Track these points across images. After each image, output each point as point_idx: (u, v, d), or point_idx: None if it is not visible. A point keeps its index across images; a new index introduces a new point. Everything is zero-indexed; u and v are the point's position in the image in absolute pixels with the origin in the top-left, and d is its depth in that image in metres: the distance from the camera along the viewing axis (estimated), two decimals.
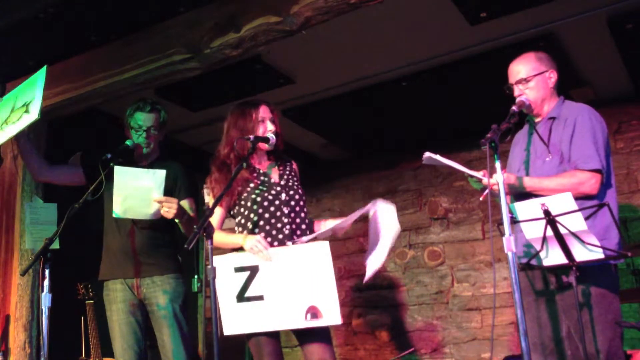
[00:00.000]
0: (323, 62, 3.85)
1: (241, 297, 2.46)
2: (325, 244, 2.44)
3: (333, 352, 2.56)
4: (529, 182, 2.43)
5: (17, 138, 2.82)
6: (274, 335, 2.53)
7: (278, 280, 2.45)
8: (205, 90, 4.12)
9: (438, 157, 2.39)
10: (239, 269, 2.47)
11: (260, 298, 2.45)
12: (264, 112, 2.69)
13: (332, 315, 2.38)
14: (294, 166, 2.84)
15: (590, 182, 2.37)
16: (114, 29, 3.50)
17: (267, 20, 3.06)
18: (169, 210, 2.68)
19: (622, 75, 4.18)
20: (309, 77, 4.04)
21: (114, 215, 2.73)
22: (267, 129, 2.67)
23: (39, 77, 2.84)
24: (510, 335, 4.66)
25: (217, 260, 2.46)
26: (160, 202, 2.68)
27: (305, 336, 2.56)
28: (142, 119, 2.96)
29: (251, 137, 2.56)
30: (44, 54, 3.71)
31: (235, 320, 2.47)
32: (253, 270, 2.46)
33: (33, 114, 2.71)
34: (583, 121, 2.47)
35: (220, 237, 2.55)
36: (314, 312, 2.39)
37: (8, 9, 3.18)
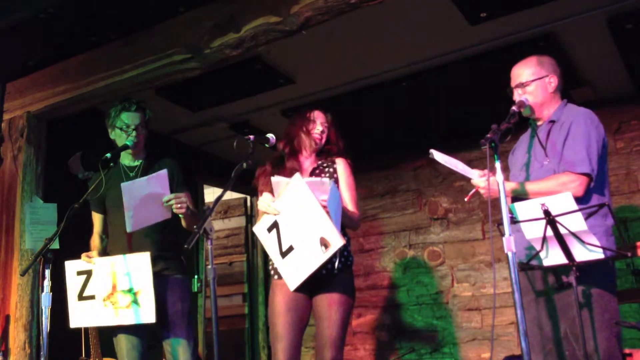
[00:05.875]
0: (323, 62, 3.85)
1: (282, 253, 2.59)
2: (296, 177, 2.57)
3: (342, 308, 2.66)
4: (513, 187, 2.44)
5: None
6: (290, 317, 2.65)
7: (293, 226, 2.56)
8: (205, 90, 4.12)
9: (443, 157, 2.41)
10: (270, 229, 2.63)
11: (291, 249, 2.56)
12: (318, 115, 2.91)
13: (336, 240, 2.46)
14: (336, 168, 2.87)
15: (573, 184, 2.36)
16: (114, 29, 3.50)
17: (267, 20, 3.06)
18: (181, 205, 2.69)
19: (622, 75, 4.19)
20: (309, 77, 4.04)
21: (127, 231, 2.70)
22: (316, 128, 2.86)
23: None
24: (510, 335, 4.66)
25: (257, 227, 2.69)
26: (169, 200, 2.68)
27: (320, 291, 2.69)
28: (129, 118, 2.94)
29: (251, 137, 2.57)
30: (44, 54, 3.72)
31: (290, 273, 2.58)
32: (276, 227, 2.60)
33: None
34: (578, 125, 2.46)
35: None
36: (325, 243, 2.47)
37: (8, 9, 3.18)
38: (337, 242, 2.46)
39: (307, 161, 2.90)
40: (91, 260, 2.80)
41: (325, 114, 2.95)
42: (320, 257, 2.49)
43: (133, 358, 2.83)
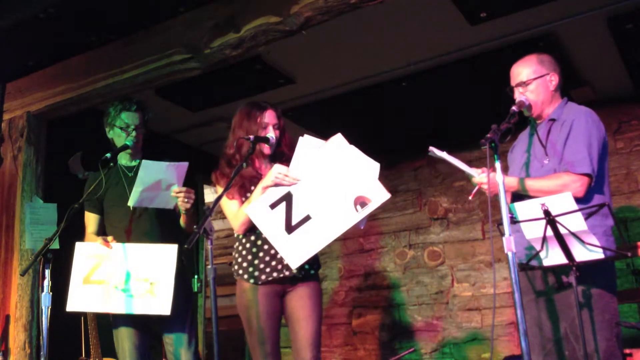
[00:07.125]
0: (323, 62, 3.85)
1: (290, 227, 2.46)
2: (338, 136, 2.52)
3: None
4: (514, 183, 2.44)
5: None
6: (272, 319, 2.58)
7: (314, 192, 2.48)
8: (205, 90, 4.12)
9: (443, 154, 2.42)
10: (274, 205, 2.48)
11: (307, 219, 2.46)
12: (269, 117, 2.65)
13: (379, 194, 2.44)
14: None
15: (574, 185, 2.36)
16: (114, 29, 3.50)
17: (267, 20, 3.07)
18: (189, 200, 2.71)
19: (622, 75, 4.19)
20: (309, 77, 4.04)
21: (129, 204, 2.72)
22: (267, 134, 2.64)
23: None
24: (510, 335, 4.66)
25: (252, 207, 2.49)
26: (179, 192, 2.69)
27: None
28: (129, 118, 2.94)
29: (251, 137, 2.56)
30: (44, 54, 3.72)
31: (296, 250, 2.45)
32: (287, 199, 2.48)
33: None
34: (579, 124, 2.46)
35: (246, 208, 2.53)
36: (362, 201, 2.45)
37: (8, 9, 3.19)
38: (381, 195, 2.43)
39: (265, 167, 2.70)
40: (109, 245, 2.76)
41: (276, 111, 2.69)
42: (352, 217, 2.44)
43: (135, 357, 2.83)
